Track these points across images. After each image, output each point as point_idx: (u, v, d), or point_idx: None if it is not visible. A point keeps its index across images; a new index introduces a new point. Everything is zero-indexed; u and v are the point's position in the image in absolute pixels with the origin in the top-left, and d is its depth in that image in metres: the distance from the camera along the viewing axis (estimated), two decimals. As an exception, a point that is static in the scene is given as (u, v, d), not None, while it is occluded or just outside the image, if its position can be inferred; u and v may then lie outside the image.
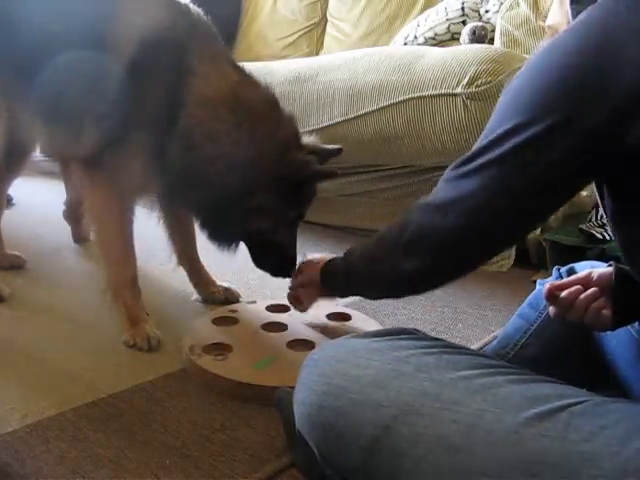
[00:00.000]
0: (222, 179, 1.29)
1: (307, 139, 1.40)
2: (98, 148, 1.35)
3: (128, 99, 1.30)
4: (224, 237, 1.38)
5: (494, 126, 0.80)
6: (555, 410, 0.68)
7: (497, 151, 0.77)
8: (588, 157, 0.74)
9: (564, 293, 0.94)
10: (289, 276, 1.37)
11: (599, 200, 0.86)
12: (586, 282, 0.95)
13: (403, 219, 0.91)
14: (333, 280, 1.14)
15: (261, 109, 1.32)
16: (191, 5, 1.42)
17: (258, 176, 1.28)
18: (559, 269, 1.13)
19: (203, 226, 1.39)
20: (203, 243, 1.65)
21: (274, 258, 1.40)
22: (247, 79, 1.38)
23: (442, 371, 0.76)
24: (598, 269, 0.97)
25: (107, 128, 1.33)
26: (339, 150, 1.45)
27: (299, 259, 1.34)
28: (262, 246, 1.39)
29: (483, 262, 0.91)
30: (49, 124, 1.44)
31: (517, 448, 0.67)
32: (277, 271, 1.41)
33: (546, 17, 1.86)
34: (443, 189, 0.85)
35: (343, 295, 1.23)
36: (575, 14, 0.84)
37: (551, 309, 0.98)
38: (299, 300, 1.33)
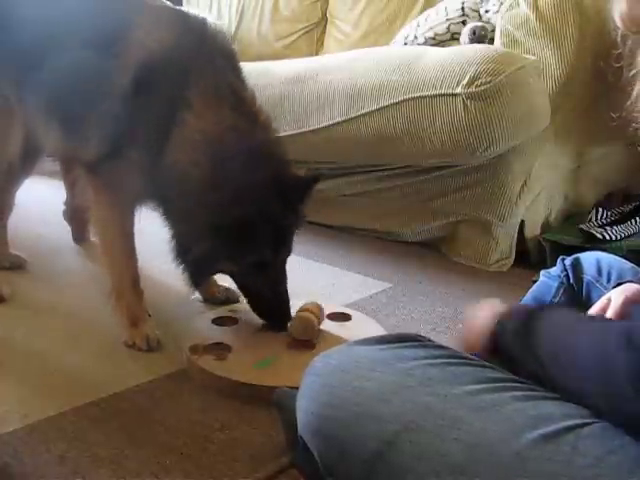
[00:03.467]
0: (180, 224, 1.31)
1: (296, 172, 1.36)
2: (100, 154, 1.36)
3: (127, 115, 1.30)
4: (189, 278, 1.36)
5: None
6: (561, 432, 0.66)
7: None
8: None
9: None
10: (277, 322, 1.36)
11: None
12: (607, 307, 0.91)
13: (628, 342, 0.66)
14: (514, 355, 0.84)
15: (239, 162, 1.27)
16: (214, 26, 1.40)
17: (201, 224, 1.26)
18: (564, 259, 1.12)
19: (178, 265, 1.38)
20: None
21: (260, 303, 1.39)
22: (242, 124, 1.31)
23: (446, 385, 0.74)
24: (613, 292, 0.94)
25: (107, 138, 1.34)
26: (316, 178, 1.36)
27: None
28: (242, 289, 1.41)
29: None
30: (55, 127, 1.44)
31: (521, 470, 0.65)
32: (265, 317, 1.40)
33: (546, 17, 1.86)
34: None
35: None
36: None
37: None
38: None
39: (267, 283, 1.35)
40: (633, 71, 0.78)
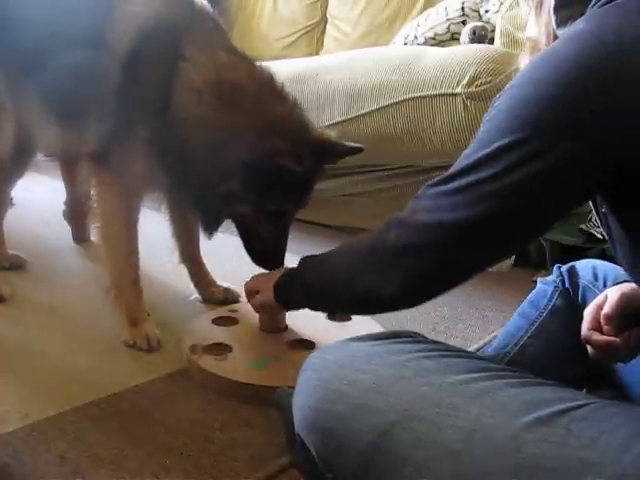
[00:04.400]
0: (199, 164, 1.27)
1: (326, 132, 1.37)
2: (103, 145, 1.35)
3: (128, 92, 1.30)
4: (206, 220, 1.36)
5: (483, 143, 0.75)
6: (555, 415, 0.67)
7: (489, 170, 0.73)
8: (585, 177, 0.72)
9: (602, 340, 0.93)
10: (270, 268, 1.33)
11: (593, 208, 0.85)
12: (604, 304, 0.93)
13: (377, 238, 0.86)
14: (290, 298, 1.10)
15: (247, 91, 1.27)
16: (202, 3, 1.41)
17: (230, 161, 1.23)
18: (560, 267, 1.13)
19: (193, 210, 1.39)
20: (205, 243, 1.66)
21: (259, 248, 1.36)
22: (240, 62, 1.34)
23: (441, 375, 0.76)
24: (610, 290, 0.96)
25: (110, 123, 1.33)
26: (358, 149, 1.37)
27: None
28: (246, 233, 1.36)
29: (464, 281, 0.84)
30: (53, 122, 1.44)
31: (517, 454, 0.66)
32: (260, 262, 1.36)
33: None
34: (425, 207, 0.80)
35: (304, 307, 1.16)
36: (559, 20, 0.81)
37: (590, 351, 0.97)
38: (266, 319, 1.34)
39: (273, 231, 1.33)
40: None
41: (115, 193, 1.40)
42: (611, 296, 0.93)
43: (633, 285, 0.92)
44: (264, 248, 1.35)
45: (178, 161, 1.31)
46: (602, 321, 0.92)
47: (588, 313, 0.95)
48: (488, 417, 0.70)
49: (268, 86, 1.31)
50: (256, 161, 1.21)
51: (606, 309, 0.92)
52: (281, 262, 1.34)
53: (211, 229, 1.37)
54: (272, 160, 1.20)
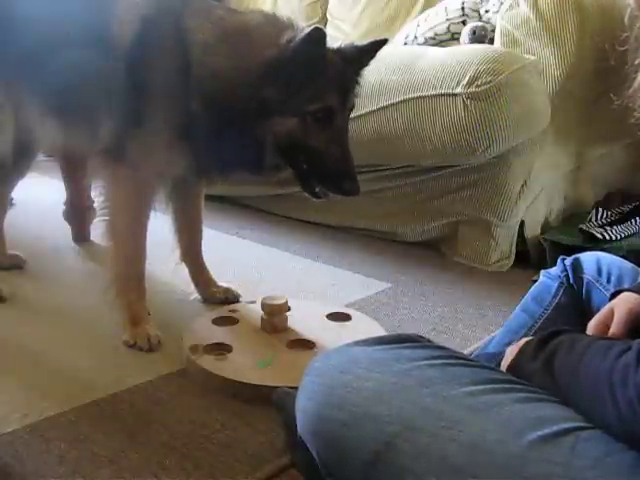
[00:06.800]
0: (237, 102, 1.26)
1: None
2: (118, 137, 1.34)
3: (141, 79, 1.30)
4: (255, 160, 1.33)
5: None
6: (560, 433, 0.66)
7: None
8: None
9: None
10: (346, 192, 1.31)
11: None
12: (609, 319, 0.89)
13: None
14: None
15: (250, 24, 1.32)
16: None
17: (259, 74, 1.24)
18: (564, 259, 1.11)
19: (239, 161, 1.35)
20: (205, 243, 1.66)
21: (325, 171, 1.31)
22: (235, 11, 1.40)
23: (445, 386, 0.74)
24: (615, 304, 0.92)
25: (125, 114, 1.32)
26: (383, 41, 1.37)
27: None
28: (299, 156, 1.31)
29: None
30: (62, 121, 1.43)
31: (520, 472, 0.65)
32: (334, 186, 1.32)
33: (546, 17, 1.86)
34: None
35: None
36: None
37: None
38: None
39: (329, 141, 1.29)
40: (638, 60, 0.76)
41: (130, 187, 1.38)
42: (618, 314, 0.88)
43: (635, 295, 0.89)
44: (329, 167, 1.31)
45: (214, 117, 1.29)
46: None
47: (591, 328, 0.92)
48: (491, 433, 0.68)
49: (265, 14, 1.37)
50: (278, 54, 1.22)
51: (613, 329, 0.88)
52: (356, 184, 1.31)
53: (262, 167, 1.34)
54: (292, 44, 1.21)
